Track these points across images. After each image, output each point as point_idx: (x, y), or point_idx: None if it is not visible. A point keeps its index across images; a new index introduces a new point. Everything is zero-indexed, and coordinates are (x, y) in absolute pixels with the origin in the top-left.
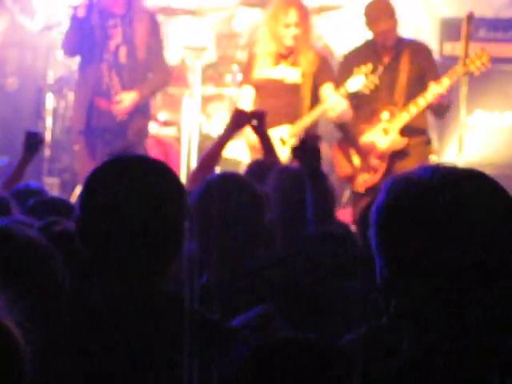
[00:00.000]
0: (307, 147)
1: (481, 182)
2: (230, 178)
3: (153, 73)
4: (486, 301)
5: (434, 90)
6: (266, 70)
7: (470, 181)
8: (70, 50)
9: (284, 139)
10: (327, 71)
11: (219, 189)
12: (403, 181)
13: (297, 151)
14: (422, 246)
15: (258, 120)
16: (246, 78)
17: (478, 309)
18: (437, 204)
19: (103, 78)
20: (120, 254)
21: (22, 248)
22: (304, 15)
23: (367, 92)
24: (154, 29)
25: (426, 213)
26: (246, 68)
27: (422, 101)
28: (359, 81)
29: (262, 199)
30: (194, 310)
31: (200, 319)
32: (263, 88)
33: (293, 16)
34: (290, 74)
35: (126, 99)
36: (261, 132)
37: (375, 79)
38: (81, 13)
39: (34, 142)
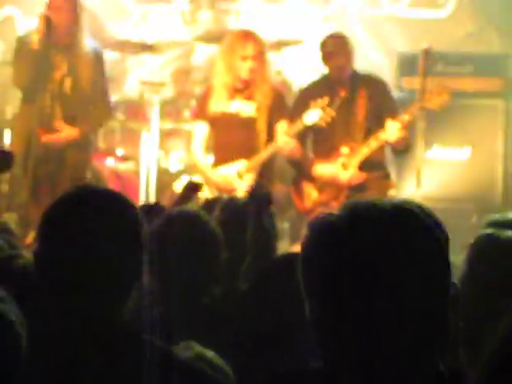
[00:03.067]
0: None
1: (402, 218)
2: (187, 214)
3: (95, 107)
4: (403, 344)
5: (394, 126)
6: (221, 104)
7: (387, 218)
8: (20, 82)
9: (241, 173)
10: (282, 107)
11: (176, 224)
12: (322, 221)
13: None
14: (334, 287)
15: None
16: (200, 113)
17: (395, 352)
18: (348, 243)
19: (45, 108)
20: (77, 287)
21: None
22: (261, 49)
23: (323, 125)
24: (98, 61)
25: (336, 253)
26: (201, 102)
27: (383, 135)
28: (316, 114)
29: (219, 236)
30: (156, 344)
31: (163, 354)
32: (218, 122)
33: (250, 49)
34: (245, 108)
35: (65, 132)
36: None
37: (332, 112)
38: (26, 45)
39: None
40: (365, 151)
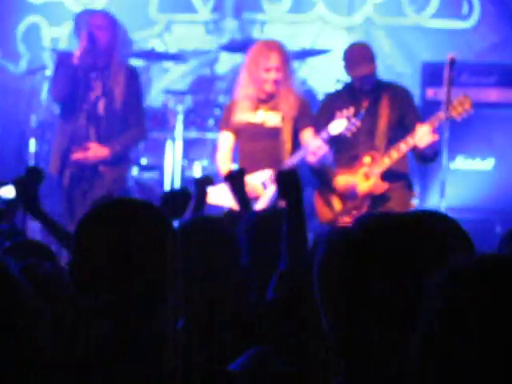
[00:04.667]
0: (286, 179)
1: (419, 229)
2: (203, 220)
3: (130, 127)
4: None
5: (424, 130)
6: (246, 114)
7: (402, 229)
8: (58, 96)
9: (266, 183)
10: (308, 116)
11: (193, 231)
12: (337, 233)
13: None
14: (357, 299)
15: (236, 179)
16: (225, 124)
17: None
18: (367, 255)
19: (81, 128)
20: (112, 297)
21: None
22: (285, 60)
23: (349, 135)
24: (133, 82)
25: (356, 264)
26: (226, 113)
27: (404, 146)
28: (341, 124)
29: (236, 242)
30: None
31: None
32: (243, 132)
33: (274, 60)
34: (271, 118)
35: (93, 151)
36: (237, 190)
37: (357, 122)
38: (67, 61)
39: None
40: (386, 162)
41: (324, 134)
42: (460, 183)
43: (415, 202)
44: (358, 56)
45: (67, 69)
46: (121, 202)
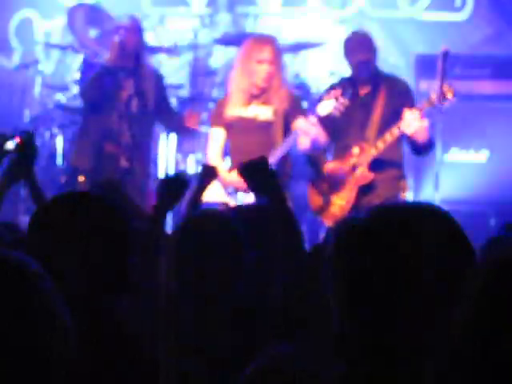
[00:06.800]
0: (254, 169)
1: (423, 221)
2: (208, 214)
3: (167, 119)
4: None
5: (412, 116)
6: (238, 109)
7: (408, 221)
8: (92, 97)
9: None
10: (299, 110)
11: (197, 225)
12: (345, 226)
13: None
14: (367, 290)
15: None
16: (217, 119)
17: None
18: (376, 246)
19: (113, 125)
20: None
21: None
22: (277, 54)
23: (338, 114)
24: (160, 83)
25: (364, 256)
26: (218, 108)
27: (389, 137)
28: (329, 104)
29: (240, 236)
30: None
31: None
32: (235, 127)
33: (266, 53)
34: (262, 112)
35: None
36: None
37: (345, 101)
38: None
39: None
40: (373, 152)
41: (313, 117)
42: (454, 175)
43: (407, 194)
44: (357, 43)
45: (97, 69)
46: (83, 198)
